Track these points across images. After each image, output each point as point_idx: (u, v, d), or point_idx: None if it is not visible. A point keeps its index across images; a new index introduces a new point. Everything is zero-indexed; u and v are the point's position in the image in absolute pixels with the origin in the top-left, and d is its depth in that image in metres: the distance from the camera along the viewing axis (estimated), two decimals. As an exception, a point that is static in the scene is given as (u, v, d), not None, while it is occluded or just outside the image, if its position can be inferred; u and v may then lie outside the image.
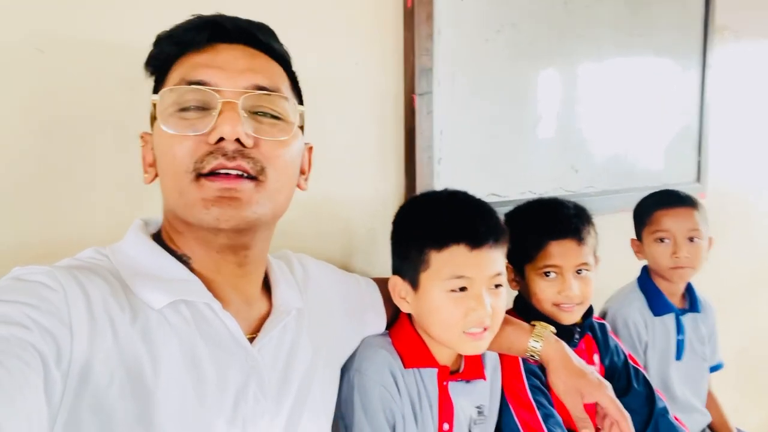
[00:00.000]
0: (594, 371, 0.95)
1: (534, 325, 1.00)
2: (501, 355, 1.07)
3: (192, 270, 0.70)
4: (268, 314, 0.77)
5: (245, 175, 0.67)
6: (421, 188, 1.21)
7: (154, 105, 0.69)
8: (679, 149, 1.92)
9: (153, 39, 0.71)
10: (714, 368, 1.56)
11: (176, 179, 0.66)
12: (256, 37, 0.71)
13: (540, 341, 0.97)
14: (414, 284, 0.94)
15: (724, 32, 2.03)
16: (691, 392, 1.49)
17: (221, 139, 0.65)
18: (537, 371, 1.10)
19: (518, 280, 1.20)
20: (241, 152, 0.66)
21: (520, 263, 1.17)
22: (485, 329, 0.91)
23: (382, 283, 1.01)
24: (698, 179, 1.98)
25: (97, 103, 0.88)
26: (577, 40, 1.53)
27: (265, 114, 0.69)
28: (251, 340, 0.73)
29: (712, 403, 1.55)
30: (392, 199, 1.22)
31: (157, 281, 0.67)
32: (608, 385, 0.94)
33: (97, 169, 0.89)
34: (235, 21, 0.71)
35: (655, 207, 1.44)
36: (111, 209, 0.90)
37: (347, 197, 1.16)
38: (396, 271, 0.98)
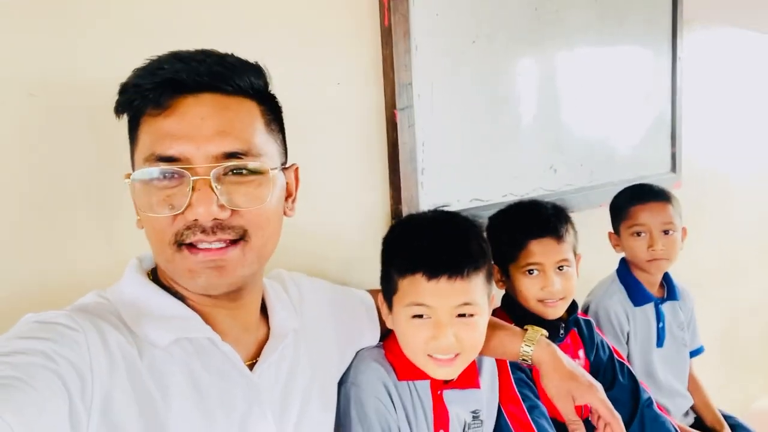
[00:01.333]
0: (585, 373, 0.99)
1: (526, 329, 1.02)
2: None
3: (189, 306, 0.73)
4: (266, 338, 0.80)
5: (228, 242, 0.68)
6: (406, 198, 1.26)
7: (132, 161, 0.70)
8: (654, 140, 1.98)
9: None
10: (694, 352, 1.63)
11: (160, 247, 0.68)
12: (221, 84, 0.68)
13: (531, 345, 0.99)
14: (389, 305, 0.97)
15: (692, 24, 2.09)
16: (674, 377, 1.55)
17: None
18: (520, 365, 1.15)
19: (504, 279, 1.25)
20: (220, 225, 0.66)
21: (505, 263, 1.22)
22: (456, 355, 0.92)
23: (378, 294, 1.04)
24: (673, 169, 2.05)
25: (85, 143, 0.90)
26: (549, 42, 1.58)
27: (239, 171, 0.68)
28: (252, 365, 0.76)
29: (694, 386, 1.62)
30: (379, 211, 1.26)
31: (158, 321, 0.69)
32: (599, 387, 0.97)
33: (86, 211, 0.90)
34: (196, 70, 0.67)
35: (631, 202, 1.49)
36: (101, 249, 0.90)
37: (334, 211, 1.20)
38: (381, 288, 1.01)
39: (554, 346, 1.01)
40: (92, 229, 0.90)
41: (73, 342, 0.61)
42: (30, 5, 0.82)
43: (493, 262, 1.22)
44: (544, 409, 1.13)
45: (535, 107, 1.57)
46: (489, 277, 0.98)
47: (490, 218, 1.28)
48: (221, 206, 0.65)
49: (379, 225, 1.26)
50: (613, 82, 1.80)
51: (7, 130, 0.82)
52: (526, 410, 1.10)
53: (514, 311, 1.22)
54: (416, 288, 0.91)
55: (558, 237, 1.18)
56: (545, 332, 1.03)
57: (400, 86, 1.22)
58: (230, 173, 0.67)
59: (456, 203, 1.36)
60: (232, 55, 0.71)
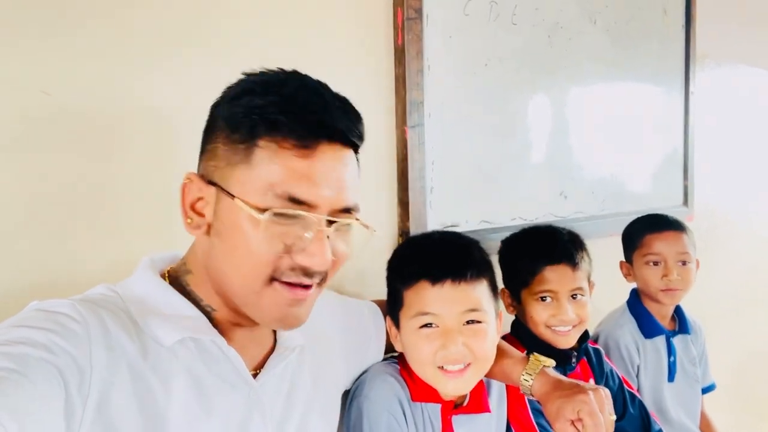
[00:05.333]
0: (582, 383, 0.93)
1: (529, 358, 0.97)
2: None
3: (207, 314, 0.72)
4: (272, 350, 0.79)
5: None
6: (414, 216, 1.25)
7: (227, 173, 0.67)
8: (666, 173, 1.97)
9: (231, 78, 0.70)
10: (706, 389, 1.58)
11: (250, 279, 0.67)
12: (353, 138, 0.70)
13: (532, 376, 0.94)
14: (397, 324, 0.96)
15: (705, 59, 2.09)
16: (685, 414, 1.50)
17: None
18: None
19: (515, 304, 1.22)
20: (319, 271, 0.69)
21: (517, 288, 1.20)
22: (467, 365, 0.90)
23: (384, 305, 1.03)
24: (685, 202, 2.03)
25: (101, 144, 0.91)
26: (562, 71, 1.58)
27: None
28: (255, 375, 0.75)
29: (705, 424, 1.57)
30: (386, 228, 1.25)
31: (165, 319, 0.69)
32: (597, 395, 0.88)
33: (98, 208, 0.91)
34: (341, 119, 0.68)
35: (646, 230, 1.47)
36: (114, 248, 0.91)
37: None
38: (388, 310, 1.00)
39: (558, 376, 0.95)
40: (100, 227, 0.90)
41: (75, 334, 0.60)
42: (42, 6, 0.84)
43: (504, 287, 1.22)
44: None
45: (547, 132, 1.56)
46: (494, 291, 0.97)
47: (503, 241, 1.27)
48: (328, 261, 0.68)
49: (388, 242, 1.24)
50: (625, 112, 1.80)
51: (18, 126, 0.83)
52: None
53: (524, 338, 1.19)
54: (421, 296, 0.91)
55: (573, 264, 1.16)
56: (551, 362, 0.98)
57: (412, 104, 1.23)
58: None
59: (464, 224, 1.35)
60: (350, 103, 0.72)
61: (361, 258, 1.21)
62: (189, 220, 0.70)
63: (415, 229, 1.24)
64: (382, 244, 1.24)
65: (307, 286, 0.69)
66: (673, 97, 1.98)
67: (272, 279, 0.67)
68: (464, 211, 1.36)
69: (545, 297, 1.16)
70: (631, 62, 1.81)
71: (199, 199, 0.69)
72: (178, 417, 0.65)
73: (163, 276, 0.75)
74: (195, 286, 0.73)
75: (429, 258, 0.92)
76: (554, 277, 1.15)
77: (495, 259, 1.26)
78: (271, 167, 0.65)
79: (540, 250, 1.18)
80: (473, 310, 0.91)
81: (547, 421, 1.10)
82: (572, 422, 0.85)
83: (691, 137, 2.03)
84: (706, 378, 1.58)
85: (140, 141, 0.92)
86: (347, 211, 0.70)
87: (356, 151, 0.74)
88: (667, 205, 1.93)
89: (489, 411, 1.00)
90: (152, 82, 0.92)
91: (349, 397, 0.97)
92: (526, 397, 1.09)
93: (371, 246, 1.21)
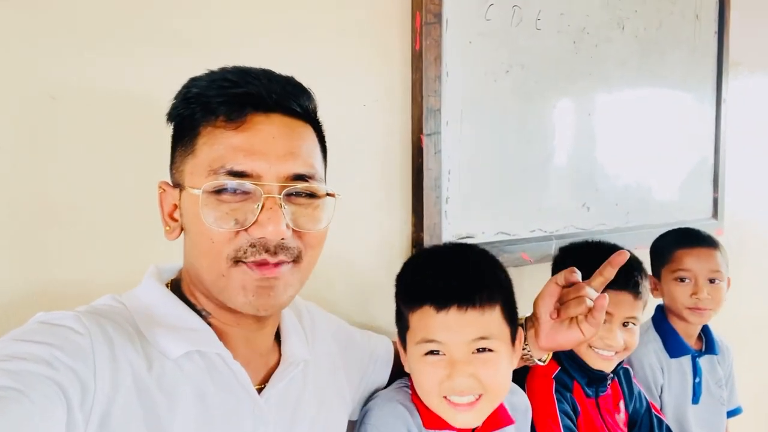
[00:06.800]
0: None
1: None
2: (533, 398, 1.03)
3: (207, 321, 0.72)
4: (277, 364, 0.78)
5: (285, 262, 0.68)
6: (428, 227, 1.21)
7: (180, 169, 0.69)
8: (695, 185, 1.90)
9: (171, 86, 0.70)
10: (732, 413, 1.51)
11: (213, 262, 0.67)
12: (291, 105, 0.70)
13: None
14: (404, 346, 0.91)
15: (738, 67, 2.02)
16: (710, 437, 1.44)
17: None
18: (570, 413, 1.08)
19: None
20: (282, 245, 0.67)
21: None
22: (479, 397, 0.84)
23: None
24: (715, 215, 1.95)
25: (106, 148, 0.89)
26: (587, 78, 1.53)
27: (299, 194, 0.69)
28: (260, 390, 0.74)
29: (731, 448, 1.50)
30: (399, 239, 1.22)
31: (172, 331, 0.68)
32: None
33: (105, 215, 0.90)
34: (271, 89, 0.68)
35: (677, 245, 1.41)
36: (120, 255, 0.90)
37: (354, 237, 1.16)
38: (397, 329, 0.95)
39: None
40: (105, 235, 0.89)
41: (78, 348, 0.60)
42: (50, 11, 0.83)
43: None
44: None
45: (569, 142, 1.51)
46: (511, 314, 0.89)
47: (561, 248, 1.24)
48: (287, 226, 0.66)
49: (400, 253, 1.21)
50: (652, 121, 1.74)
51: (27, 130, 0.82)
52: None
53: (561, 353, 1.12)
54: (426, 322, 0.84)
55: (636, 293, 1.11)
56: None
57: (428, 111, 1.19)
58: (295, 195, 0.68)
59: (481, 235, 1.31)
60: (293, 78, 0.72)
61: (372, 269, 1.18)
62: (167, 228, 0.72)
63: (429, 241, 1.20)
64: (395, 254, 1.21)
65: (276, 265, 0.67)
66: (704, 106, 1.91)
67: (237, 260, 0.66)
68: (481, 222, 1.32)
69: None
70: (661, 69, 1.74)
71: (175, 206, 0.71)
72: (182, 430, 0.65)
73: (167, 286, 0.74)
74: (189, 293, 0.73)
75: (434, 280, 0.85)
76: (613, 301, 1.05)
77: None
78: (210, 149, 0.66)
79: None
80: (483, 338, 0.83)
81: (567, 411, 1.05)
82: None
83: (723, 148, 1.95)
84: (732, 401, 1.51)
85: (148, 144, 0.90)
86: (301, 179, 0.68)
87: (314, 127, 0.74)
88: (695, 218, 1.86)
89: (513, 422, 0.93)
90: (163, 86, 0.90)
91: (357, 424, 0.93)
92: (558, 414, 1.05)
93: (383, 256, 1.19)
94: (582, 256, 1.14)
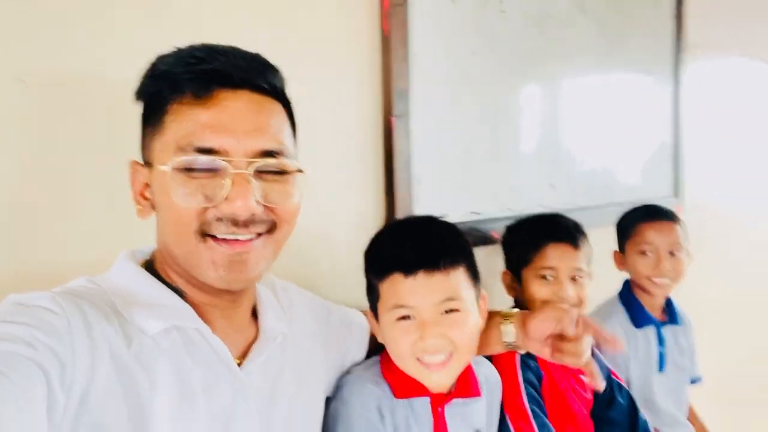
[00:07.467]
0: None
1: (500, 311, 0.98)
2: (500, 369, 1.06)
3: (184, 299, 0.72)
4: (254, 338, 0.79)
5: (256, 234, 0.69)
6: (400, 208, 1.23)
7: (149, 147, 0.69)
8: (656, 164, 1.96)
9: (140, 66, 0.70)
10: (693, 381, 1.58)
11: (182, 237, 0.68)
12: (259, 82, 0.70)
13: (509, 321, 0.95)
14: (376, 316, 0.94)
15: (696, 49, 2.07)
16: (674, 404, 1.50)
17: None
18: (534, 381, 1.12)
19: (515, 286, 1.24)
20: (253, 219, 0.68)
21: (518, 268, 1.23)
22: (449, 356, 0.88)
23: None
24: (675, 194, 2.02)
25: (78, 131, 0.89)
26: (551, 60, 1.57)
27: (269, 170, 0.69)
28: (239, 364, 0.74)
29: (692, 415, 1.57)
30: (372, 220, 1.23)
31: (149, 308, 0.68)
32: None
33: (78, 197, 0.89)
34: (238, 65, 0.68)
35: (639, 220, 1.48)
36: (93, 238, 0.90)
37: (327, 220, 1.17)
38: (368, 301, 0.98)
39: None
40: (81, 217, 0.89)
41: (55, 328, 0.59)
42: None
43: (505, 269, 1.28)
44: (552, 429, 1.10)
45: (535, 122, 1.55)
46: (474, 277, 0.94)
47: (508, 227, 1.32)
48: (257, 201, 0.67)
49: (372, 233, 1.22)
50: (614, 102, 1.79)
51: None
52: (536, 428, 1.07)
53: None
54: (395, 289, 0.88)
55: (575, 245, 1.19)
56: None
57: (398, 93, 1.21)
58: (265, 171, 0.68)
59: (452, 215, 1.33)
60: (260, 55, 0.72)
61: (344, 249, 1.19)
62: (139, 207, 0.72)
63: (401, 221, 1.22)
64: (368, 235, 1.22)
65: (246, 241, 0.68)
66: (663, 88, 1.96)
67: (204, 234, 0.67)
68: (452, 202, 1.35)
69: (546, 275, 1.18)
70: (621, 52, 1.79)
71: (146, 185, 0.71)
72: (163, 406, 0.65)
73: (142, 267, 0.74)
74: (163, 272, 0.74)
75: (400, 249, 0.89)
76: (556, 254, 1.18)
77: (489, 249, 1.26)
78: (178, 126, 0.66)
79: (544, 229, 1.22)
80: (450, 299, 0.88)
81: (542, 408, 1.09)
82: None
83: (682, 128, 2.01)
84: (693, 369, 1.58)
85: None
86: (270, 155, 0.68)
87: (283, 104, 0.74)
88: (657, 196, 1.91)
89: (479, 395, 0.98)
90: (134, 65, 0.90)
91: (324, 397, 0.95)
92: (521, 383, 1.08)
93: (356, 237, 1.20)
94: (527, 225, 1.28)
